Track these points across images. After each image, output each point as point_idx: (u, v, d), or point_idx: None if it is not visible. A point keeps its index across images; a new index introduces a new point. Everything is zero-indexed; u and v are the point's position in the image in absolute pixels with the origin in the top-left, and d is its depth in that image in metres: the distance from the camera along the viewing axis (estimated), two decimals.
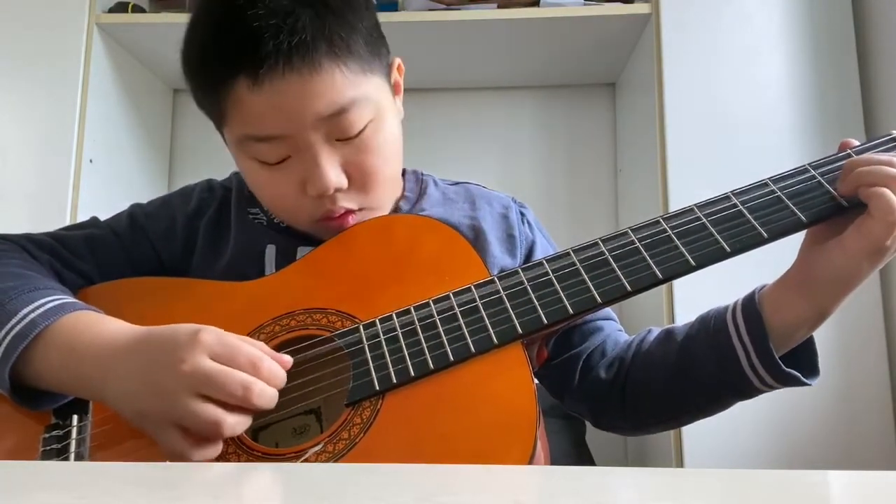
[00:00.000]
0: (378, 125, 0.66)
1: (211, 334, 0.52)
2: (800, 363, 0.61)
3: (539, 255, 0.75)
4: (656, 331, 0.71)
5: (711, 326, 0.64)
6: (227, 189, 0.78)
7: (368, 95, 0.65)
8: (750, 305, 0.62)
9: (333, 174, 0.64)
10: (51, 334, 0.56)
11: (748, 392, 0.63)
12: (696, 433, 1.29)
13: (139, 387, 0.52)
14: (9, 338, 0.56)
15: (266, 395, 0.51)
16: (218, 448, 0.51)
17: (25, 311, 0.57)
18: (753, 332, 0.60)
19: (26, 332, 0.56)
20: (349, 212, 0.67)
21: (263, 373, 0.51)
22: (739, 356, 0.61)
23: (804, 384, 0.61)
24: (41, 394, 0.58)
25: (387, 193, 0.71)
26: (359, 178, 0.66)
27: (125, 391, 0.53)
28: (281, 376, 0.53)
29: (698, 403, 0.67)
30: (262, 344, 0.55)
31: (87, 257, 0.71)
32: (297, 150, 0.64)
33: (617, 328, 0.76)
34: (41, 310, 0.57)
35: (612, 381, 0.69)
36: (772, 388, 0.62)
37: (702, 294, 1.34)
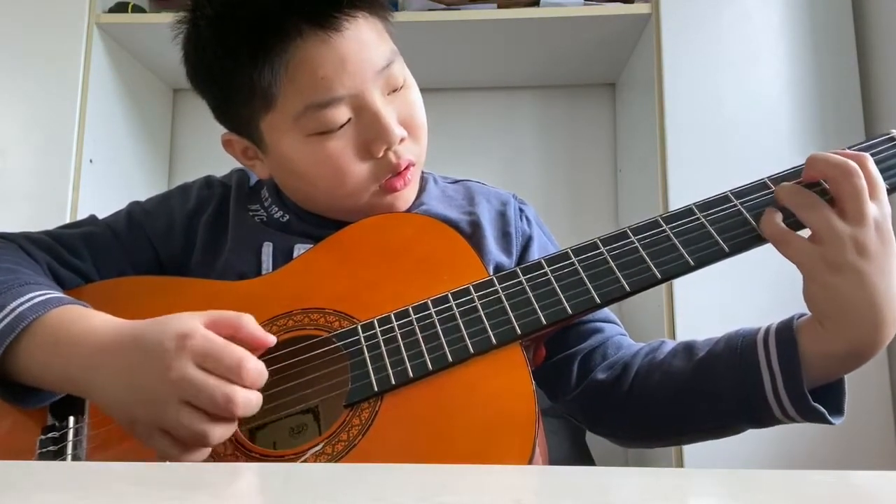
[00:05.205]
0: (409, 80, 0.70)
1: (197, 339, 0.51)
2: (825, 400, 0.57)
3: (536, 250, 0.75)
4: (671, 343, 0.68)
5: (738, 346, 0.61)
6: (226, 186, 0.78)
7: (396, 49, 0.68)
8: (786, 331, 0.58)
9: (396, 125, 0.66)
10: (37, 328, 0.55)
11: (764, 421, 0.60)
12: None
13: (127, 393, 0.52)
14: None
15: (250, 404, 0.51)
16: (206, 452, 0.51)
17: (14, 304, 0.56)
18: (785, 359, 0.57)
19: (14, 326, 0.55)
20: (410, 164, 0.69)
21: (248, 374, 0.50)
22: (764, 381, 0.58)
23: (827, 422, 0.57)
24: (30, 390, 0.57)
25: (426, 148, 0.73)
26: (411, 129, 0.69)
27: (113, 395, 0.52)
28: (264, 375, 0.52)
29: (705, 424, 0.64)
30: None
31: (85, 255, 0.71)
32: (359, 110, 0.65)
33: (619, 332, 0.74)
34: (30, 303, 0.56)
35: (613, 385, 0.67)
36: (792, 420, 0.58)
37: (702, 294, 1.35)
